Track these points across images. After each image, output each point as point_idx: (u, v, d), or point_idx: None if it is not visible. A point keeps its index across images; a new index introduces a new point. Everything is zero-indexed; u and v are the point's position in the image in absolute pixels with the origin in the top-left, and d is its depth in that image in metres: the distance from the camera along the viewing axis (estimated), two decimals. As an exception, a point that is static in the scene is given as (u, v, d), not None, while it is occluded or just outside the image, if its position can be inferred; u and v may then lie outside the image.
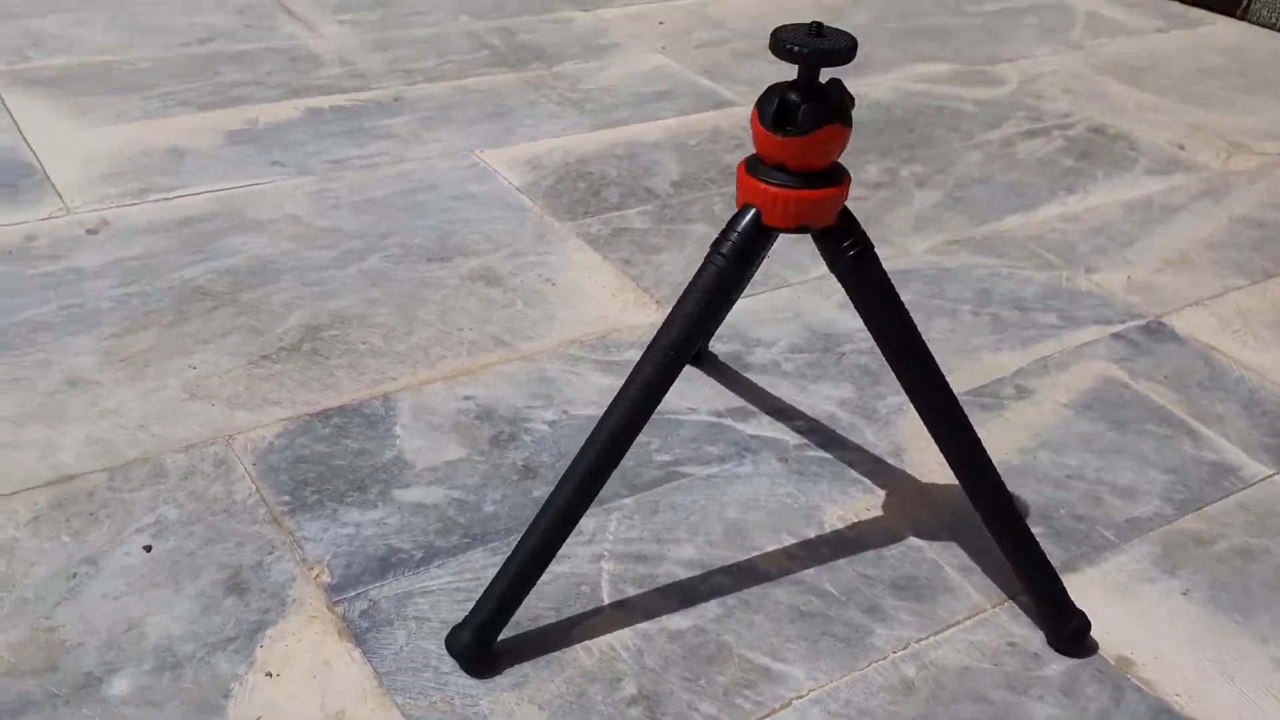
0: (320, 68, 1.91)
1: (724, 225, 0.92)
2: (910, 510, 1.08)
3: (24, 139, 1.61)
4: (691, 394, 1.22)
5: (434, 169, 1.61)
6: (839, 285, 1.39)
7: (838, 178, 0.88)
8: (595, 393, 1.20)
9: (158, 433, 1.12)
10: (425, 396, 1.19)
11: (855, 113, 1.91)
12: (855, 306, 0.92)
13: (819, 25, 0.84)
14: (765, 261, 1.46)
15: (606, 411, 0.91)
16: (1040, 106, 2.01)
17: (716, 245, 0.90)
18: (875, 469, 1.12)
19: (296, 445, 1.11)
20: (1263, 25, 2.51)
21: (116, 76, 1.81)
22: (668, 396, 1.21)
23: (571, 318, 1.32)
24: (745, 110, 1.90)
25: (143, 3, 2.10)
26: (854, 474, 1.11)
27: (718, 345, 1.30)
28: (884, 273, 0.91)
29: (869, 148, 1.81)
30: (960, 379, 1.28)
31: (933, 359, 0.93)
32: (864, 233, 0.91)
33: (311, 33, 2.04)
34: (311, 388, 1.19)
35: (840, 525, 1.07)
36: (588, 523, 1.05)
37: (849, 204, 1.10)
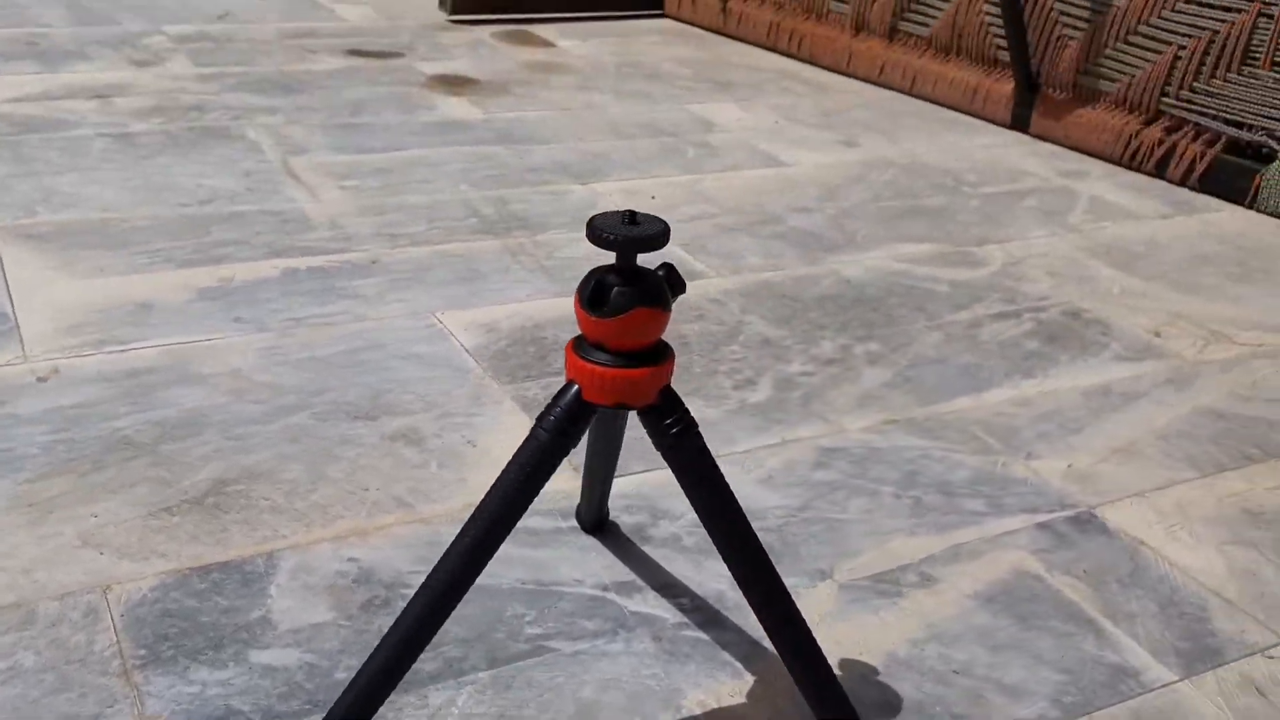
0: (309, 230, 1.99)
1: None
2: (775, 699, 1.04)
3: (7, 289, 1.70)
4: (583, 565, 1.21)
5: (389, 329, 1.64)
6: (763, 461, 1.39)
7: (657, 358, 0.90)
8: (484, 559, 1.20)
9: (39, 578, 1.14)
10: (309, 556, 1.20)
11: (824, 289, 1.93)
12: (679, 483, 0.91)
13: (632, 213, 0.87)
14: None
15: (423, 583, 0.91)
16: (1018, 289, 2.00)
17: (539, 420, 0.91)
18: (750, 653, 1.09)
19: (169, 599, 1.12)
20: (1270, 214, 2.49)
21: (111, 233, 1.91)
22: (555, 567, 1.20)
23: (483, 481, 1.33)
24: (714, 283, 1.92)
25: (158, 165, 2.22)
26: (726, 656, 1.09)
27: (624, 516, 1.30)
28: (706, 451, 0.91)
29: (828, 324, 1.81)
30: (864, 563, 1.25)
31: (755, 538, 0.91)
32: (686, 411, 0.91)
33: (311, 197, 2.13)
34: (202, 541, 1.21)
35: (698, 711, 1.04)
36: (436, 695, 1.03)
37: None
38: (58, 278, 1.74)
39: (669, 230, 0.88)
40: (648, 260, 0.94)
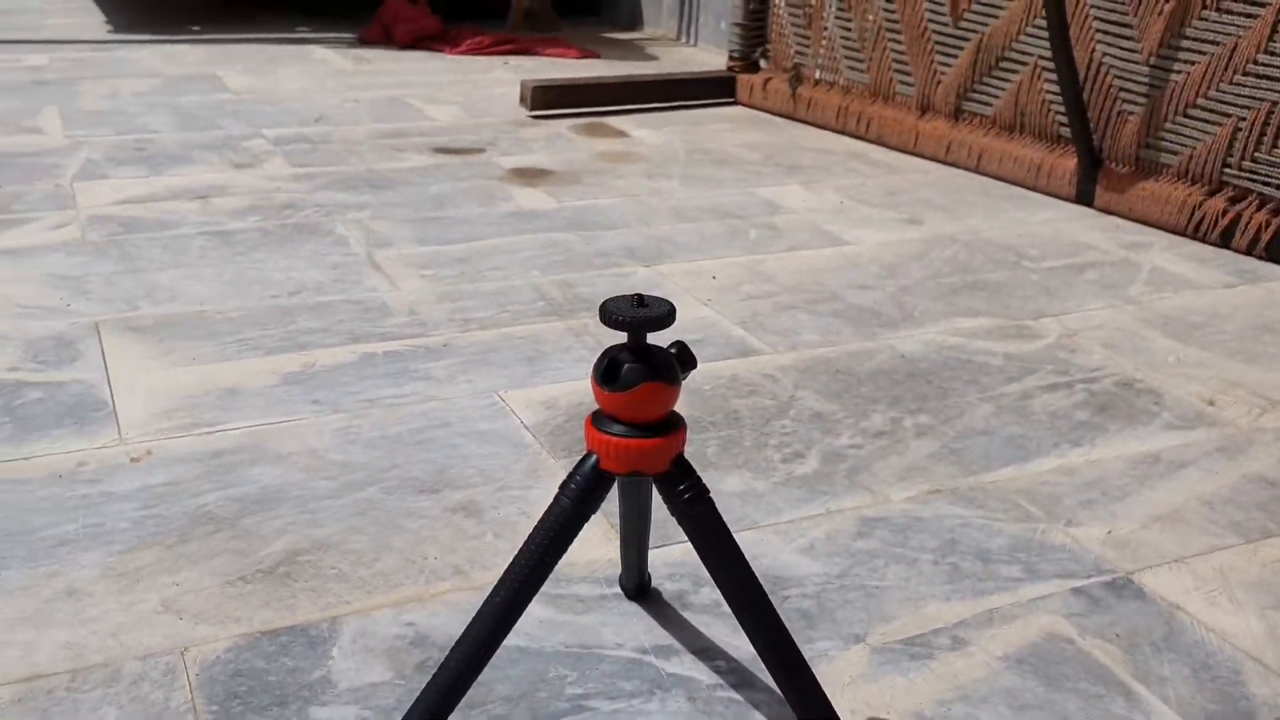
0: (388, 317, 2.11)
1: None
2: (800, 756, 1.11)
3: (107, 378, 1.84)
4: (624, 629, 1.27)
5: (454, 407, 1.74)
6: (806, 530, 1.45)
7: (668, 429, 0.97)
8: (532, 624, 1.26)
9: (125, 641, 1.24)
10: (370, 621, 1.28)
11: (878, 364, 1.98)
12: (693, 544, 0.98)
13: (640, 297, 0.94)
14: (739, 503, 1.53)
15: (458, 639, 0.98)
16: (1072, 360, 2.03)
17: (562, 487, 0.99)
18: (781, 713, 1.12)
19: (240, 660, 1.22)
20: (1338, 281, 2.47)
21: (205, 324, 2.06)
22: (598, 631, 1.27)
23: (535, 552, 1.41)
24: (770, 359, 1.99)
25: (252, 261, 2.38)
26: (758, 716, 1.12)
27: (667, 584, 1.36)
28: (716, 515, 0.97)
29: (880, 398, 1.86)
30: (897, 627, 1.29)
31: (768, 602, 0.97)
32: (698, 479, 0.98)
33: (391, 286, 2.26)
34: (273, 607, 1.30)
35: (727, 766, 1.10)
36: (479, 748, 1.11)
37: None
38: (155, 366, 1.88)
39: (674, 311, 0.95)
40: (664, 340, 1.02)
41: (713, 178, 3.03)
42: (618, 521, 1.21)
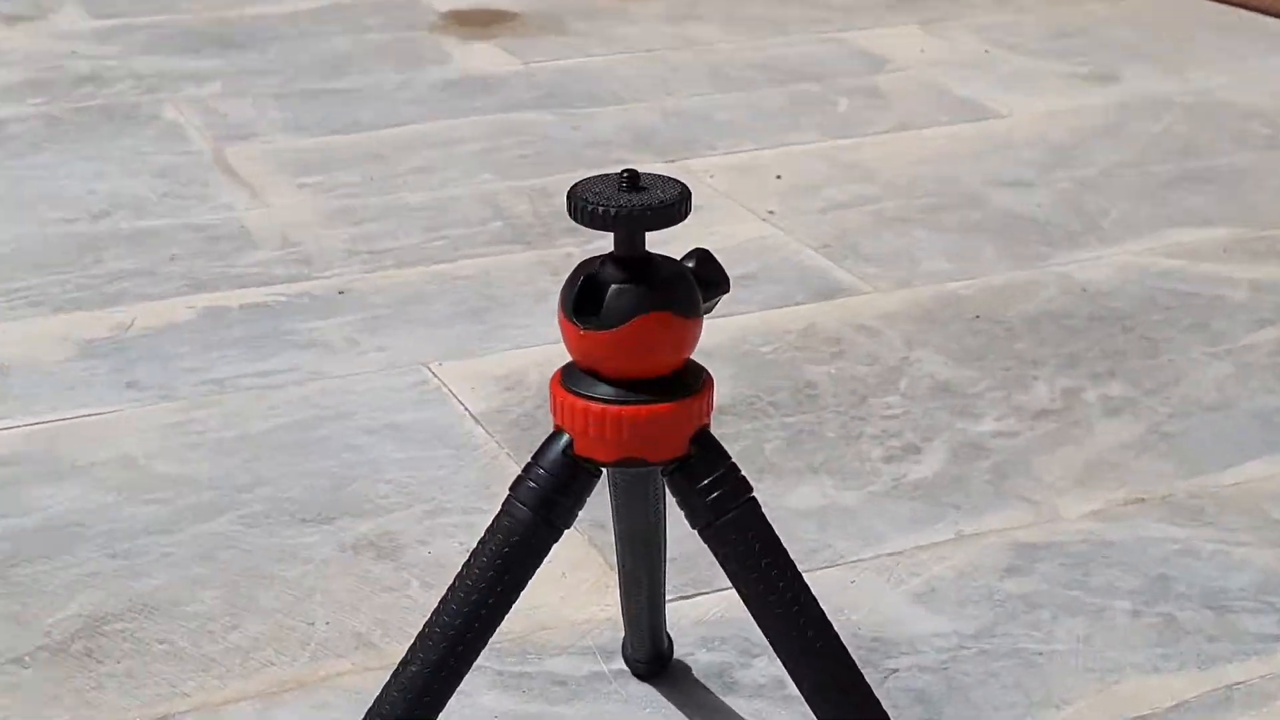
0: (248, 250, 2.11)
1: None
2: None
3: None
4: (633, 730, 1.30)
5: (357, 390, 1.74)
6: (924, 566, 1.45)
7: (685, 389, 0.96)
8: (483, 720, 1.30)
9: None
10: (220, 720, 1.29)
11: (1043, 304, 1.97)
12: (726, 573, 0.97)
13: (633, 174, 0.94)
14: (815, 527, 1.50)
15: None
16: (1358, 291, 2.02)
17: (515, 487, 0.98)
18: None
19: (12, 789, 1.23)
20: None
21: (-45, 266, 2.08)
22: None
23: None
24: (867, 301, 1.99)
25: (32, 165, 2.39)
26: None
27: (700, 653, 1.34)
28: (767, 530, 0.97)
29: (1046, 358, 1.85)
30: (1075, 715, 1.29)
31: (858, 677, 0.97)
32: (734, 467, 0.97)
33: (254, 201, 2.26)
34: (63, 703, 1.31)
35: None
36: None
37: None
38: (-125, 334, 1.90)
39: (688, 196, 0.93)
40: (668, 245, 1.01)
41: (775, 18, 3.00)
42: (614, 554, 1.19)
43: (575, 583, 1.42)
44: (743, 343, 1.87)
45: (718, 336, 1.83)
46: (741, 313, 1.89)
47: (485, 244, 2.12)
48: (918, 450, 1.65)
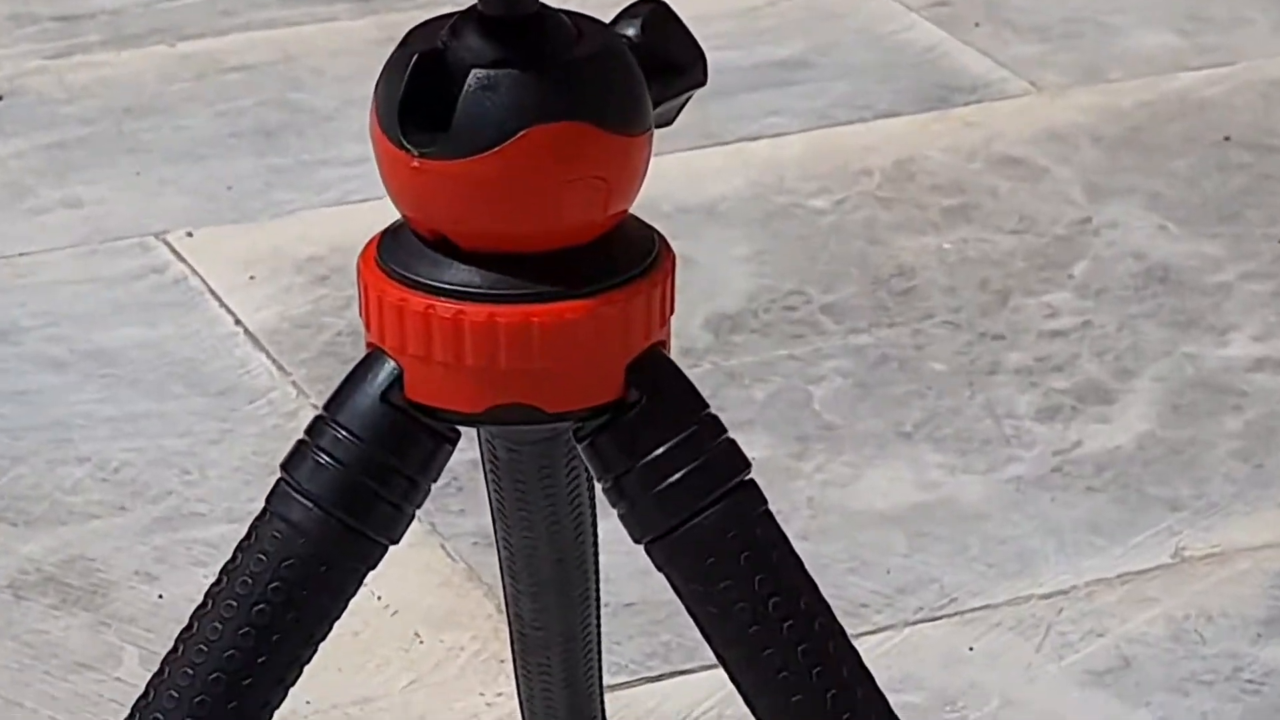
0: None
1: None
2: None
3: None
4: None
5: (29, 283, 1.73)
6: (1103, 621, 1.43)
7: (610, 273, 0.92)
8: None
9: None
10: None
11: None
12: (690, 610, 0.94)
13: None
14: (906, 546, 1.50)
15: None
16: None
17: (287, 465, 0.94)
18: None
19: None
20: None
21: None
22: None
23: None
24: (1014, 109, 1.96)
25: None
26: None
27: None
28: (779, 542, 0.91)
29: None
30: None
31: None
32: (713, 424, 0.91)
33: None
34: None
35: None
36: None
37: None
38: None
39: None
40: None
41: None
42: (503, 601, 1.15)
43: (440, 654, 1.38)
44: (772, 192, 1.84)
45: (729, 179, 1.78)
46: (770, 133, 1.85)
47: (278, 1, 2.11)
48: (1105, 397, 1.64)
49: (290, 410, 1.51)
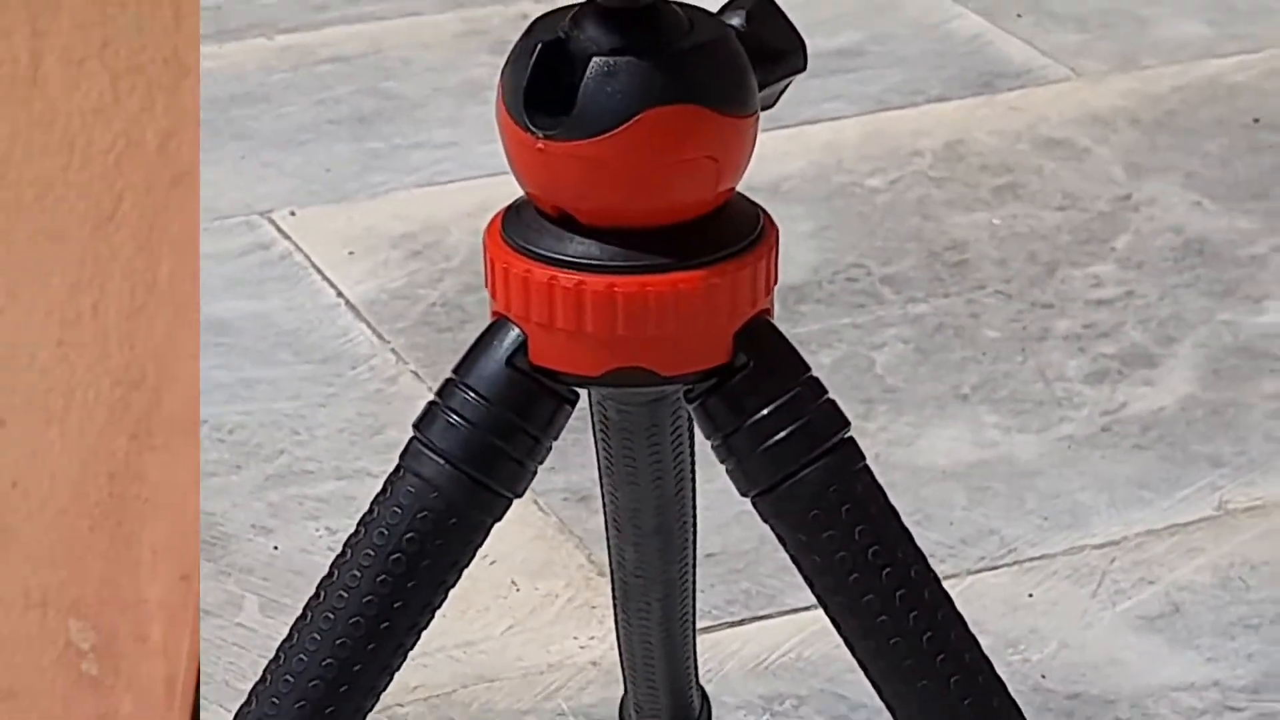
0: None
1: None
2: None
3: None
4: None
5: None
6: (1152, 570, 1.45)
7: (721, 245, 0.92)
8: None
9: None
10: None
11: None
12: (797, 564, 0.94)
13: None
14: (967, 501, 1.51)
15: None
16: None
17: (421, 426, 0.96)
18: None
19: None
20: None
21: None
22: None
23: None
24: (1058, 94, 1.96)
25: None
26: None
27: (757, 718, 1.34)
28: (878, 494, 0.92)
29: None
30: None
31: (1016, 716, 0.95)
32: (816, 386, 0.93)
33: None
34: None
35: None
36: None
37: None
38: None
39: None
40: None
41: None
42: (607, 551, 1.19)
43: (535, 601, 1.39)
44: (831, 172, 1.85)
45: (792, 160, 1.80)
46: (834, 116, 1.87)
47: None
48: (1149, 361, 1.65)
49: (390, 376, 1.54)
